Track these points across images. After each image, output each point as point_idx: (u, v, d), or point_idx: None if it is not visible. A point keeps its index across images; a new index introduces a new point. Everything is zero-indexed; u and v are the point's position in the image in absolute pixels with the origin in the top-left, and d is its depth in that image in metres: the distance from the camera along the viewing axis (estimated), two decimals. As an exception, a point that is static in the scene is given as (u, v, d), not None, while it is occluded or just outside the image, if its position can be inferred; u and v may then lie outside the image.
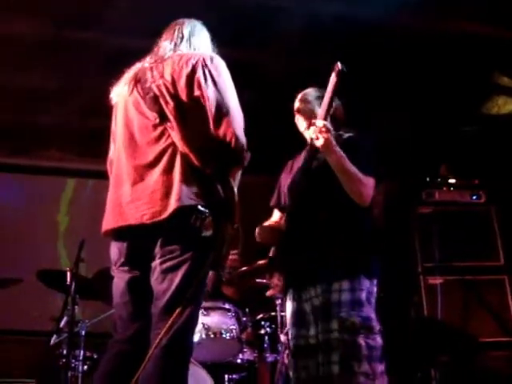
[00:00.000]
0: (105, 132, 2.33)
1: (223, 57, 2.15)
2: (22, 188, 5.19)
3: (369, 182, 2.27)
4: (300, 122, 2.56)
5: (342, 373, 2.12)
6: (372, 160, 2.32)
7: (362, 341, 2.14)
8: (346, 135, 2.42)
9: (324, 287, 2.25)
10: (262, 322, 3.53)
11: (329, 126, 2.22)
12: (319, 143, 2.21)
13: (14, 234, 4.93)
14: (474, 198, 3.77)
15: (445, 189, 3.79)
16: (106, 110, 2.29)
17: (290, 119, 2.61)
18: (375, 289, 2.29)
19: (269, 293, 2.54)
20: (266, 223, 2.59)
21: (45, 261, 4.62)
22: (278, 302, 3.40)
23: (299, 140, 2.66)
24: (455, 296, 3.66)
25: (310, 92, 2.57)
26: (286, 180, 2.60)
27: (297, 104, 2.58)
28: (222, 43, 2.25)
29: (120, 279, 2.04)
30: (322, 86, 2.62)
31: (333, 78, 2.20)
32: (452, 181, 3.79)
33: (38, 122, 4.73)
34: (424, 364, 3.50)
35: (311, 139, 2.26)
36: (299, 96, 2.59)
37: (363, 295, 2.22)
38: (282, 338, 3.28)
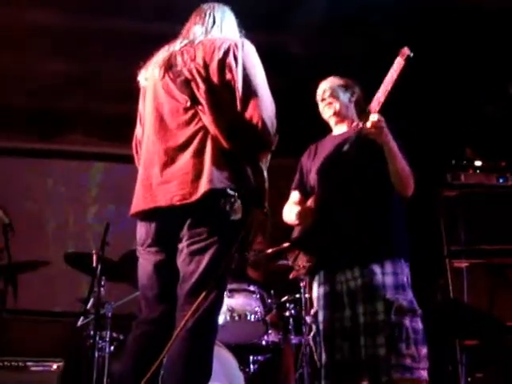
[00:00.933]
0: (129, 116, 2.34)
1: (250, 40, 2.15)
2: (49, 172, 5.25)
3: (411, 175, 2.32)
4: (325, 110, 2.59)
5: (389, 355, 2.14)
6: (404, 149, 2.34)
7: (408, 323, 2.17)
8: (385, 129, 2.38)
9: (363, 270, 2.26)
10: (287, 304, 3.55)
11: (382, 118, 2.23)
12: (378, 136, 2.23)
13: (43, 217, 5.02)
14: (501, 180, 3.70)
15: (471, 171, 3.73)
16: (130, 95, 2.30)
17: (313, 102, 2.61)
18: (409, 273, 2.31)
19: (292, 275, 2.54)
20: (289, 204, 2.60)
21: (72, 244, 4.71)
22: (303, 284, 3.42)
23: (322, 123, 2.65)
24: (481, 279, 3.62)
25: (333, 80, 2.59)
26: (308, 164, 2.60)
27: (320, 92, 2.59)
28: (247, 27, 2.24)
29: (146, 260, 2.06)
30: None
31: (399, 63, 2.19)
32: (478, 163, 3.73)
33: (63, 107, 4.78)
34: (450, 348, 3.49)
35: (362, 128, 2.26)
36: (322, 85, 2.61)
37: (405, 279, 2.25)
38: (309, 319, 3.29)
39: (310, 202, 2.51)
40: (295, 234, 2.54)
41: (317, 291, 2.41)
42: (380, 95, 2.23)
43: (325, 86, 2.59)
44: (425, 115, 4.10)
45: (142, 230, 2.07)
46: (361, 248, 2.29)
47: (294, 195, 2.66)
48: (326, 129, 2.68)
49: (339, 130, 2.58)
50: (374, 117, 2.23)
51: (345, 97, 2.54)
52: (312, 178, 2.55)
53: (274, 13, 3.86)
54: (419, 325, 2.21)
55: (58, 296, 4.66)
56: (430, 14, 3.78)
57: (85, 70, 4.39)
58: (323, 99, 2.57)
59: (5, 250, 3.75)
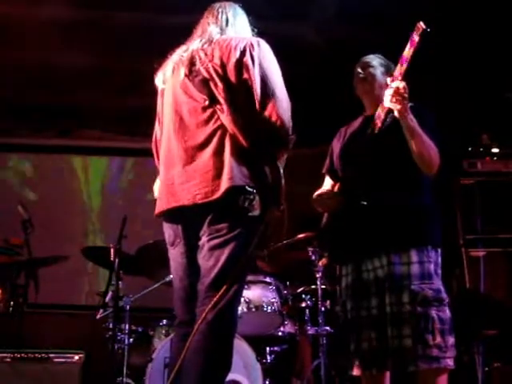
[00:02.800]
0: (143, 111, 2.36)
1: (264, 31, 2.15)
2: (67, 167, 5.31)
3: (436, 150, 2.24)
4: (358, 86, 2.50)
5: (416, 346, 2.13)
6: (436, 132, 2.29)
7: (434, 313, 2.15)
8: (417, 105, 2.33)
9: (390, 259, 2.24)
10: (303, 295, 3.56)
11: (407, 87, 2.13)
12: (398, 106, 2.14)
13: (61, 213, 5.09)
14: (519, 167, 3.66)
15: (487, 159, 3.68)
16: (144, 89, 2.32)
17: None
18: (439, 260, 2.27)
19: (322, 262, 2.53)
20: (320, 191, 2.56)
21: (90, 238, 4.78)
22: (319, 274, 3.41)
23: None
24: (498, 268, 3.58)
25: (377, 58, 2.51)
26: (338, 147, 2.57)
27: (360, 66, 2.49)
28: (262, 17, 2.24)
29: (177, 263, 2.11)
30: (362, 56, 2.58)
31: (415, 38, 2.10)
32: (495, 150, 3.68)
33: (78, 103, 4.81)
34: (467, 338, 3.47)
35: (383, 102, 2.19)
36: (365, 58, 2.51)
37: (432, 267, 2.22)
38: (337, 309, 3.29)
39: (336, 188, 2.51)
40: (324, 220, 2.53)
41: (345, 280, 2.40)
42: (397, 74, 2.16)
43: (367, 61, 2.50)
44: (440, 102, 4.06)
45: (170, 231, 2.12)
46: (387, 236, 2.26)
47: (326, 180, 2.64)
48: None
49: (371, 110, 2.49)
50: (395, 83, 2.13)
51: (383, 78, 2.42)
52: (337, 162, 2.54)
53: (291, 2, 3.84)
54: (446, 314, 2.19)
55: (78, 290, 4.74)
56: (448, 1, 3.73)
57: (100, 64, 4.41)
58: (359, 73, 2.48)
59: (25, 245, 3.84)
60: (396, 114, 2.18)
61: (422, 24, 2.10)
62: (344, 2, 3.76)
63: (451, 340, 2.18)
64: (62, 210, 5.09)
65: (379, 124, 2.29)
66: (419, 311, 2.15)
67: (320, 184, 2.66)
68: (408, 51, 2.13)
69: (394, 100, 2.14)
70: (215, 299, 1.91)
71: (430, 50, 3.93)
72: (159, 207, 2.12)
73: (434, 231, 2.29)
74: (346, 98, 2.66)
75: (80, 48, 4.23)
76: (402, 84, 2.13)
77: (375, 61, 2.49)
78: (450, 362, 2.17)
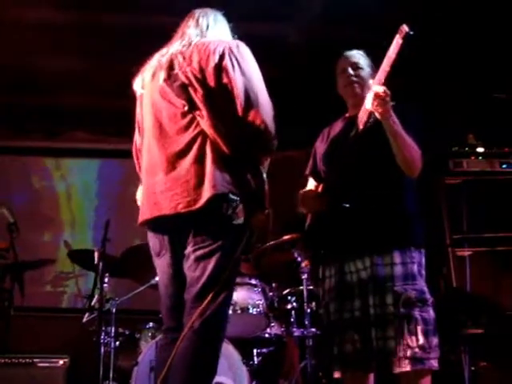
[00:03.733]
0: (131, 112, 2.34)
1: (246, 31, 2.13)
2: (53, 170, 5.29)
3: (419, 153, 2.23)
4: (347, 89, 2.45)
5: (399, 348, 2.12)
6: (420, 133, 2.27)
7: (417, 314, 2.14)
8: (391, 103, 2.29)
9: (373, 260, 2.23)
10: (289, 297, 3.55)
11: (388, 91, 2.12)
12: (379, 110, 2.12)
13: (47, 216, 5.07)
14: (504, 166, 3.64)
15: (473, 158, 3.67)
16: (132, 90, 2.29)
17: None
18: (423, 260, 2.26)
19: (305, 264, 2.52)
20: (303, 191, 2.54)
21: (76, 241, 4.75)
22: (304, 276, 3.41)
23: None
24: (485, 268, 3.58)
25: (365, 57, 2.48)
26: (321, 148, 2.55)
27: (347, 64, 2.45)
28: (244, 17, 2.22)
29: (163, 272, 2.09)
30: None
31: (398, 41, 2.08)
32: (480, 149, 3.67)
33: (65, 105, 4.80)
34: (454, 337, 3.47)
35: (365, 105, 2.18)
36: (353, 56, 2.47)
37: (415, 268, 2.21)
38: (320, 311, 3.29)
39: (320, 189, 2.49)
40: (308, 222, 2.52)
41: (328, 282, 2.39)
42: (380, 77, 2.14)
43: (355, 61, 2.45)
44: (426, 101, 4.05)
45: (155, 240, 2.10)
46: (369, 237, 2.25)
47: (309, 182, 2.63)
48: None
49: (354, 111, 2.45)
50: (376, 88, 2.12)
51: (368, 79, 2.41)
52: (321, 163, 2.53)
53: (275, 3, 3.83)
54: (430, 314, 2.18)
55: (65, 293, 4.72)
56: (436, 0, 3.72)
57: (86, 66, 4.40)
58: (351, 75, 2.42)
59: (10, 248, 3.82)
60: (378, 116, 2.17)
61: (405, 27, 2.08)
62: (328, 2, 3.75)
63: (435, 341, 2.17)
64: (50, 213, 5.07)
65: (361, 126, 2.28)
66: (402, 312, 2.14)
67: (304, 186, 2.65)
68: (391, 54, 2.11)
69: (375, 103, 2.13)
70: (201, 308, 1.90)
71: (418, 50, 3.98)
72: (142, 216, 2.10)
73: (416, 232, 2.28)
74: (333, 98, 2.65)
75: (67, 50, 4.22)
76: (383, 88, 2.12)
77: (362, 60, 2.46)
78: (434, 363, 2.16)
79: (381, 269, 2.21)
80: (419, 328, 2.13)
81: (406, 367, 2.11)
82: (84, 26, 4.01)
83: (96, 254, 3.27)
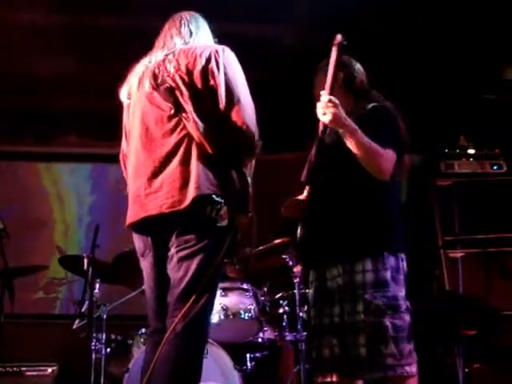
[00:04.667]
0: (122, 117, 2.33)
1: (237, 33, 2.14)
2: (43, 175, 5.26)
3: (388, 155, 2.18)
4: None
5: (370, 355, 2.12)
6: (393, 131, 2.24)
7: (388, 322, 2.12)
8: (370, 105, 2.33)
9: (347, 267, 2.22)
10: (281, 301, 3.53)
11: (335, 100, 2.15)
12: (327, 119, 2.15)
13: (39, 221, 5.04)
14: (495, 168, 3.65)
15: (464, 160, 3.68)
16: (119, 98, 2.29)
17: (304, 95, 2.54)
18: (403, 264, 2.23)
19: (296, 269, 2.52)
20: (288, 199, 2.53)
21: (69, 246, 4.74)
22: (296, 280, 3.39)
23: (313, 116, 2.58)
24: (477, 269, 3.58)
25: (320, 65, 2.45)
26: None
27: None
28: (237, 19, 2.22)
29: (148, 274, 2.11)
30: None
31: (333, 52, 2.17)
32: (471, 151, 3.67)
33: (56, 109, 4.78)
34: (447, 339, 3.46)
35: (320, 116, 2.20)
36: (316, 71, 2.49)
37: (387, 274, 2.17)
38: (302, 315, 3.28)
39: (303, 196, 2.47)
40: (299, 227, 2.46)
41: (312, 287, 2.39)
42: (326, 86, 2.19)
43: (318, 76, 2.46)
44: (417, 103, 4.06)
45: (140, 242, 2.12)
46: (340, 245, 2.25)
47: (306, 188, 2.60)
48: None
49: None
50: (322, 98, 2.16)
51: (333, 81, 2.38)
52: None
53: (265, 5, 3.83)
54: (403, 321, 2.16)
55: (56, 299, 4.69)
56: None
57: (76, 69, 4.38)
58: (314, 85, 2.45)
59: (0, 255, 3.78)
60: (328, 124, 2.19)
61: (339, 37, 2.16)
62: (317, 4, 3.74)
63: (408, 347, 2.14)
64: (41, 218, 5.05)
65: (320, 135, 2.28)
66: (371, 320, 2.13)
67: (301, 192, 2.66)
68: (330, 65, 2.18)
69: (321, 113, 2.16)
70: (184, 310, 1.90)
71: (409, 52, 3.98)
72: (129, 218, 2.12)
73: (391, 237, 2.24)
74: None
75: (57, 54, 4.20)
76: (327, 98, 2.15)
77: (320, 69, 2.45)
78: (409, 369, 2.13)
79: (353, 276, 2.20)
80: (389, 335, 2.11)
81: (377, 374, 2.12)
82: (76, 30, 4.01)
83: (85, 260, 3.24)
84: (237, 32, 2.22)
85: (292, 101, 4.46)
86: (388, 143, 2.19)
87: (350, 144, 2.18)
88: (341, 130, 2.18)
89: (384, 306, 2.14)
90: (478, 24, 3.81)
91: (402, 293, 2.19)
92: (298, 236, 2.38)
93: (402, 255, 2.25)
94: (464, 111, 4.06)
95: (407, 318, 2.18)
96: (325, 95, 2.17)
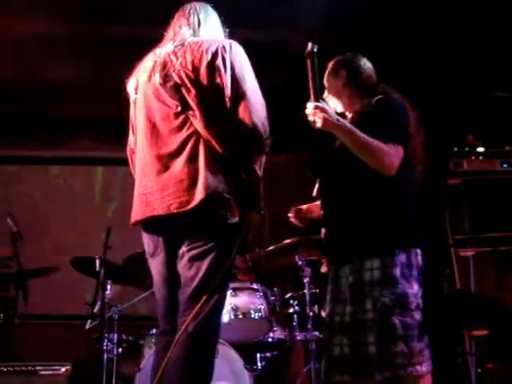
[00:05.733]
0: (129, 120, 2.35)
1: (246, 39, 2.14)
2: (56, 179, 5.32)
3: (391, 150, 2.16)
4: None
5: (379, 354, 2.09)
6: (394, 124, 2.22)
7: (396, 320, 2.09)
8: (374, 100, 2.31)
9: (356, 266, 2.21)
10: (291, 301, 3.54)
11: (321, 104, 2.16)
12: (317, 125, 2.15)
13: (51, 224, 5.09)
14: (505, 166, 3.62)
15: (473, 158, 3.65)
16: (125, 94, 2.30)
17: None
18: (416, 260, 2.19)
19: (323, 270, 2.53)
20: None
21: (80, 248, 4.76)
22: (307, 279, 3.40)
23: None
24: (488, 268, 3.55)
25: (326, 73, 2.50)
26: None
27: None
28: (244, 25, 2.22)
29: (158, 273, 2.09)
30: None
31: (307, 61, 2.18)
32: (481, 149, 3.64)
33: (66, 114, 4.84)
34: (459, 338, 3.44)
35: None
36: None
37: (397, 271, 2.14)
38: (323, 314, 3.28)
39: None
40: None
41: (328, 285, 2.38)
42: (310, 94, 2.20)
43: (324, 82, 2.49)
44: (425, 102, 4.04)
45: (149, 241, 2.10)
46: (350, 243, 2.24)
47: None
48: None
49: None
50: (307, 105, 2.18)
51: (336, 84, 2.43)
52: None
53: (274, 10, 3.84)
54: (413, 319, 2.13)
55: (68, 300, 4.73)
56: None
57: (86, 75, 4.44)
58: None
59: (14, 257, 3.84)
60: (322, 129, 2.19)
61: (309, 45, 2.19)
62: (331, 7, 3.74)
63: (418, 346, 2.10)
64: (53, 221, 5.10)
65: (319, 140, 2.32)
66: (380, 319, 2.11)
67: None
68: (309, 73, 2.19)
69: (310, 120, 2.17)
70: (196, 310, 1.89)
71: (417, 50, 3.97)
72: (134, 216, 2.09)
73: (401, 232, 2.21)
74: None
75: (68, 60, 4.26)
76: (312, 104, 2.16)
77: (328, 80, 2.48)
78: (419, 368, 2.09)
79: (362, 274, 2.18)
80: (398, 334, 2.08)
81: (387, 373, 2.08)
82: (85, 37, 4.06)
83: (97, 261, 3.28)
84: (245, 37, 2.19)
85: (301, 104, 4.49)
86: (390, 137, 2.18)
87: (347, 144, 2.18)
88: (335, 132, 2.18)
89: (392, 303, 2.11)
90: (489, 22, 3.79)
91: (412, 290, 2.15)
92: (322, 237, 2.41)
93: (416, 250, 2.21)
94: (472, 109, 4.04)
95: (417, 315, 2.14)
96: (310, 103, 2.17)
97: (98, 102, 4.65)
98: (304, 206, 2.55)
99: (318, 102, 2.17)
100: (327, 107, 2.18)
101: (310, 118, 2.17)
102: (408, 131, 2.25)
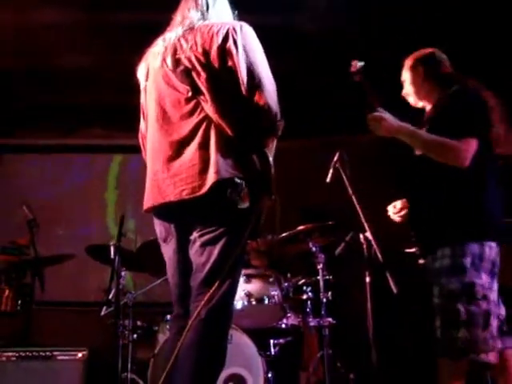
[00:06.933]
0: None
1: (256, 23, 2.11)
2: (71, 167, 5.36)
3: (458, 144, 2.22)
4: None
5: (443, 338, 2.19)
6: (467, 118, 2.27)
7: (461, 307, 2.16)
8: (450, 92, 2.36)
9: (432, 254, 2.31)
10: (304, 287, 3.55)
11: (379, 114, 2.33)
12: (380, 133, 2.33)
13: (66, 212, 5.14)
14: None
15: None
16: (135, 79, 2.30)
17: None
18: (490, 252, 2.22)
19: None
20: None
21: (96, 236, 4.82)
22: (320, 266, 3.41)
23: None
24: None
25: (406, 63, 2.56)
26: None
27: None
28: (254, 10, 2.20)
29: (170, 259, 2.09)
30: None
31: (357, 80, 2.38)
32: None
33: (79, 102, 4.86)
34: None
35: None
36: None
37: (467, 260, 2.20)
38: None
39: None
40: None
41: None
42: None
43: (402, 78, 2.59)
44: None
45: (161, 228, 2.10)
46: (425, 234, 2.36)
47: None
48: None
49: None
50: (368, 119, 2.36)
51: (415, 80, 2.51)
52: None
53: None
54: (478, 307, 2.16)
55: (85, 287, 4.79)
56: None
57: (98, 63, 4.44)
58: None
59: (30, 244, 3.88)
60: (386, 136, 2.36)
61: (354, 63, 2.38)
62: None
63: (483, 335, 2.15)
64: (68, 209, 5.14)
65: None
66: (445, 304, 2.20)
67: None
68: (364, 89, 2.38)
69: (374, 130, 2.35)
70: (208, 295, 1.89)
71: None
72: (147, 202, 2.08)
73: (474, 224, 2.25)
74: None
75: (79, 49, 4.26)
76: (370, 116, 2.35)
77: (405, 75, 2.55)
78: (484, 357, 2.16)
79: (435, 262, 2.28)
80: (462, 320, 2.15)
81: (449, 357, 2.17)
82: (97, 25, 4.04)
83: (112, 249, 3.31)
84: (257, 22, 2.17)
85: (313, 89, 4.46)
86: (462, 131, 2.24)
87: (412, 145, 2.35)
88: (398, 136, 2.33)
89: (458, 291, 2.18)
90: (490, 22, 3.75)
91: (480, 280, 2.20)
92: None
93: (491, 243, 2.24)
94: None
95: (484, 305, 2.18)
96: (369, 115, 2.35)
97: (107, 90, 4.65)
98: (398, 203, 2.62)
99: (376, 111, 2.35)
100: (386, 115, 2.34)
101: (372, 128, 2.34)
102: (484, 122, 2.29)
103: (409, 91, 2.51)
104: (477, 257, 2.21)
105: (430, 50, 2.51)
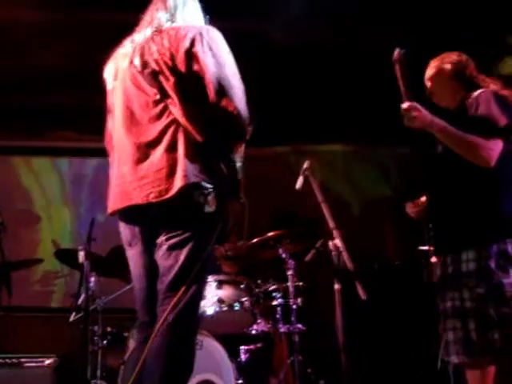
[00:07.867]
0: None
1: (225, 28, 2.10)
2: (40, 170, 5.29)
3: (487, 144, 2.27)
4: None
5: (479, 340, 2.22)
6: (493, 119, 2.30)
7: (491, 310, 2.21)
8: (475, 94, 2.41)
9: (454, 257, 2.34)
10: (274, 293, 3.56)
11: (414, 105, 2.31)
12: (413, 124, 2.31)
13: (36, 216, 5.07)
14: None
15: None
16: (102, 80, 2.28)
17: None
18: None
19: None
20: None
21: (65, 240, 4.76)
22: (290, 272, 3.43)
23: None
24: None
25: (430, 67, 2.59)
26: None
27: None
28: (222, 14, 2.20)
29: (135, 263, 2.07)
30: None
31: (396, 68, 2.33)
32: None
33: (51, 104, 4.79)
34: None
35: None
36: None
37: (491, 263, 2.25)
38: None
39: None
40: None
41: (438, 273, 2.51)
42: (403, 95, 2.35)
43: (426, 76, 2.61)
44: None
45: (127, 231, 2.08)
46: (449, 234, 2.39)
47: None
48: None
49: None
50: (402, 109, 2.32)
51: (441, 81, 2.55)
52: None
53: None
54: (509, 308, 2.22)
55: (54, 292, 4.73)
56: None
57: (72, 64, 4.39)
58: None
59: (-3, 248, 3.80)
60: (418, 128, 2.36)
61: (396, 52, 2.33)
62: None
63: None
64: (38, 213, 5.07)
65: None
66: (476, 308, 2.24)
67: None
68: (399, 77, 2.35)
69: (407, 121, 2.33)
70: (175, 299, 1.88)
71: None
72: (112, 206, 2.07)
73: (496, 225, 2.30)
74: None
75: (52, 49, 4.21)
76: (405, 105, 2.32)
77: (430, 72, 2.58)
78: None
79: (460, 265, 2.31)
80: (495, 323, 2.20)
81: (486, 357, 2.24)
82: (71, 25, 4.01)
83: (81, 253, 3.27)
84: (226, 27, 2.18)
85: (284, 95, 4.48)
86: (488, 131, 2.28)
87: (443, 140, 2.34)
88: (430, 130, 2.32)
89: (487, 294, 2.23)
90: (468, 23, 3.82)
91: (509, 279, 2.25)
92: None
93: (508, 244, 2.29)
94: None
95: None
96: (404, 105, 2.32)
97: (84, 92, 4.60)
98: (419, 200, 2.66)
99: (411, 102, 2.31)
100: (420, 107, 2.32)
101: (406, 118, 2.31)
102: (509, 124, 2.32)
103: (434, 90, 2.55)
104: (501, 257, 2.26)
105: (457, 52, 2.57)
